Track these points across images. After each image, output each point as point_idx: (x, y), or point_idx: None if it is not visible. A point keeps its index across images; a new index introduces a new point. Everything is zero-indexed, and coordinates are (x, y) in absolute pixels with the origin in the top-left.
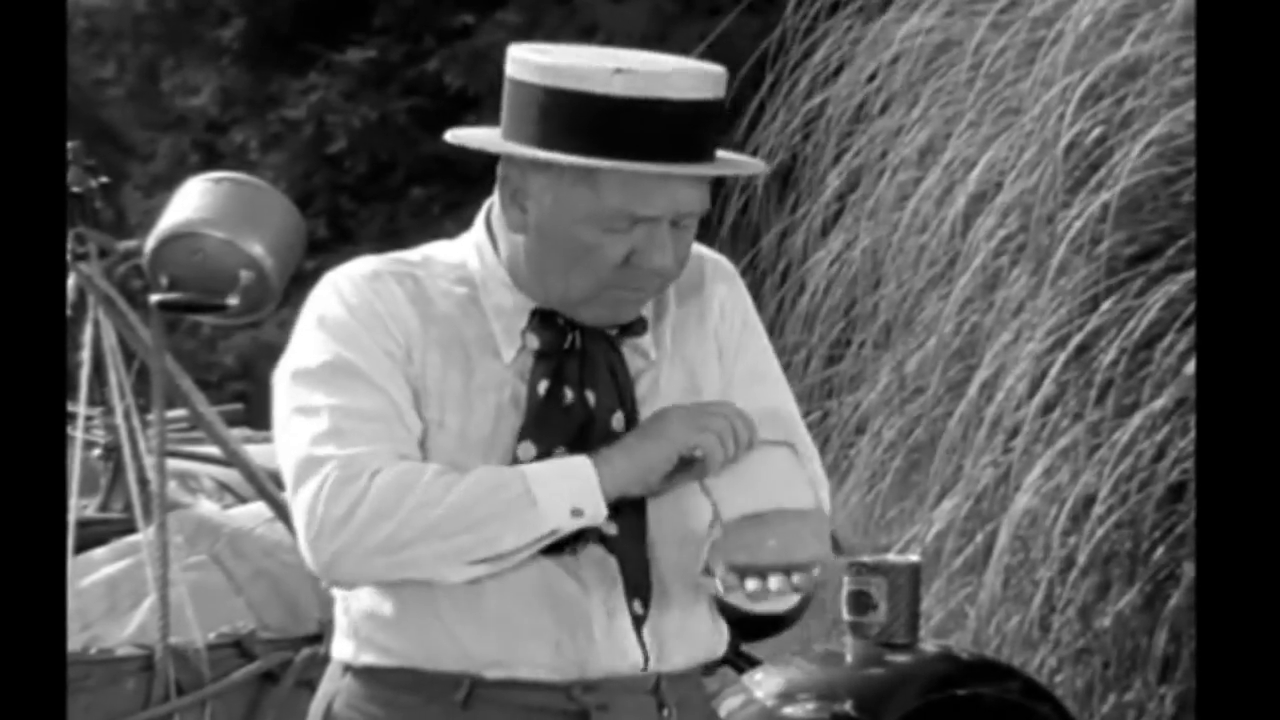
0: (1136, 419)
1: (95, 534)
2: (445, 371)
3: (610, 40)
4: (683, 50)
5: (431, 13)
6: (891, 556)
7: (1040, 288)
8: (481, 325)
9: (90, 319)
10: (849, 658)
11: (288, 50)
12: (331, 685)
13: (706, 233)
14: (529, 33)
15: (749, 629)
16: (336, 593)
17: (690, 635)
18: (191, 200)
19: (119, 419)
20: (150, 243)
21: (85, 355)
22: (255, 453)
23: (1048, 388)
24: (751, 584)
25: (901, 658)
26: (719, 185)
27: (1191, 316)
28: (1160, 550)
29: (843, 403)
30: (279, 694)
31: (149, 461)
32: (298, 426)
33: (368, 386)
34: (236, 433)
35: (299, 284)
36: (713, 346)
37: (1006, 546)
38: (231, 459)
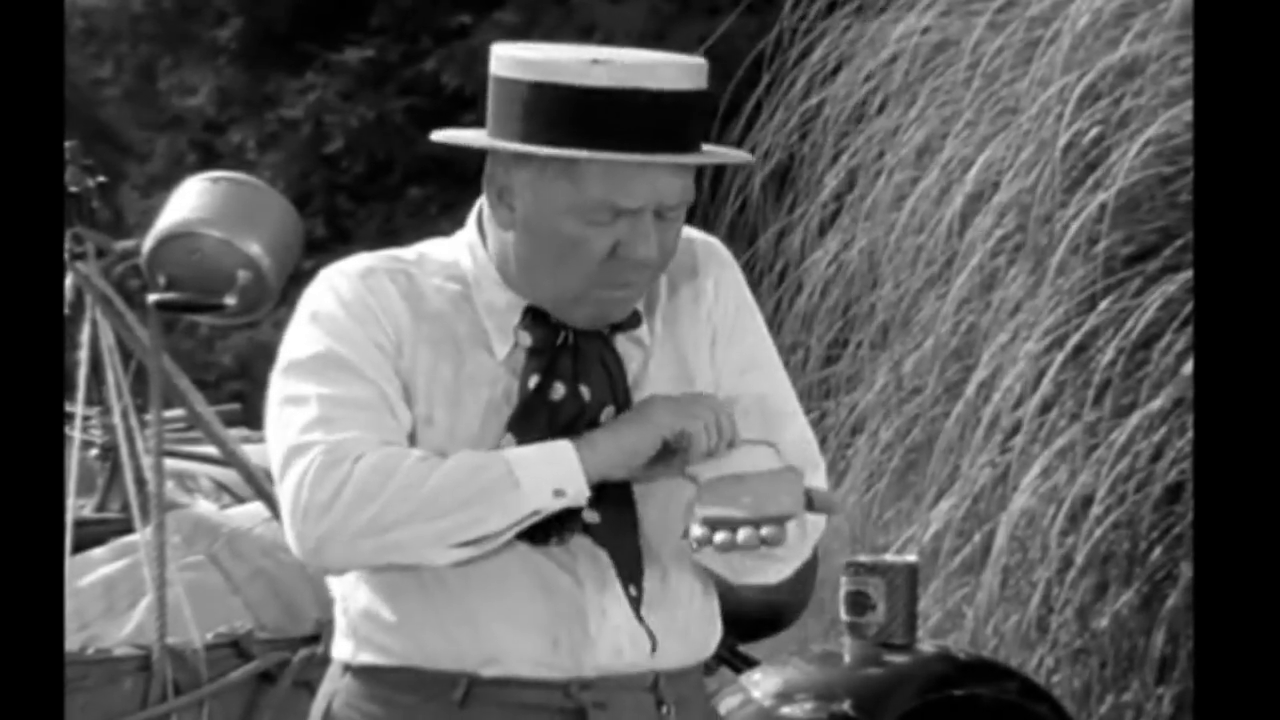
0: (1134, 419)
1: (93, 534)
2: (435, 365)
3: (608, 40)
4: (681, 50)
5: (429, 13)
6: (889, 557)
7: (1038, 288)
8: (474, 322)
9: (88, 319)
10: (847, 658)
11: (285, 50)
12: (331, 685)
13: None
14: (526, 33)
15: (747, 628)
16: (336, 593)
17: (686, 632)
18: (189, 200)
19: (116, 419)
20: (148, 242)
21: (83, 355)
22: (253, 453)
23: (1045, 388)
24: (719, 536)
25: (899, 658)
26: (716, 185)
27: (1189, 316)
28: (1158, 550)
29: (840, 403)
30: (276, 694)
31: (146, 461)
32: (287, 416)
33: (357, 378)
34: (234, 433)
35: (297, 284)
36: (706, 331)
37: (1004, 547)
38: (229, 459)
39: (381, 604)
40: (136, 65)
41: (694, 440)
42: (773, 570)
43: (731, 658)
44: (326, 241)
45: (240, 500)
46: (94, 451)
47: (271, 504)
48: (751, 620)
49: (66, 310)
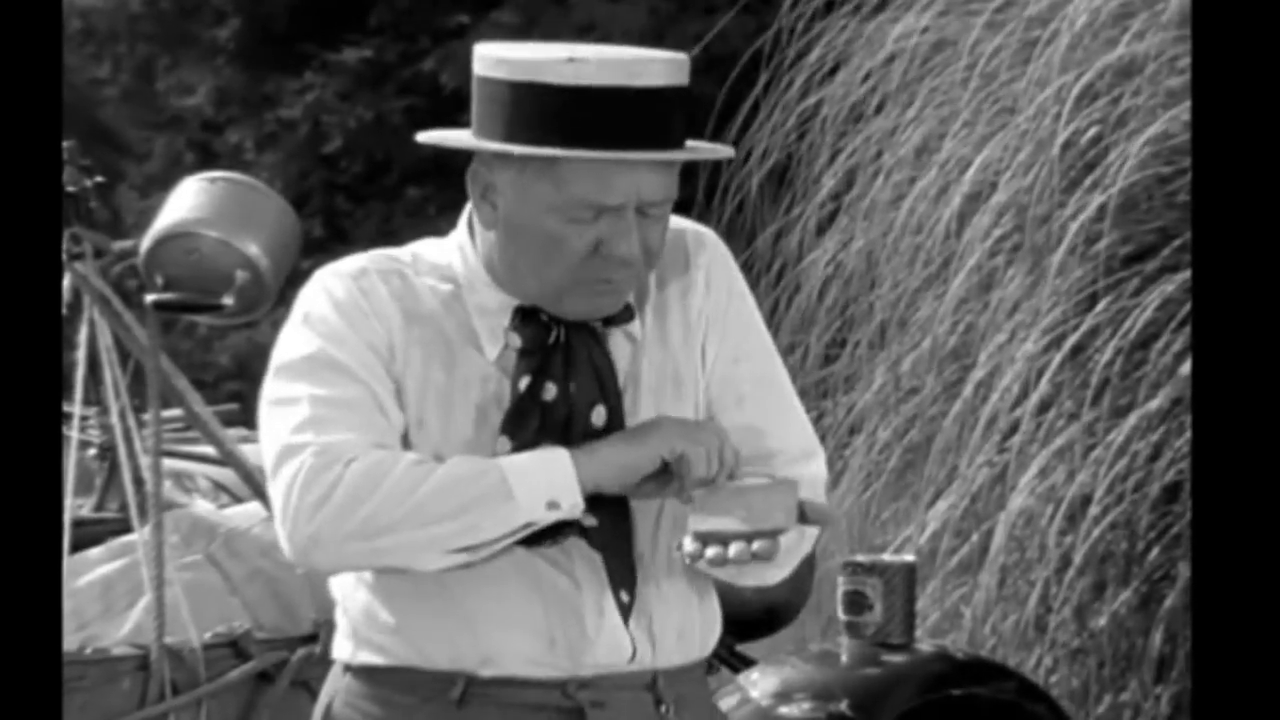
0: (1132, 419)
1: (90, 534)
2: (427, 368)
3: (606, 39)
4: (679, 49)
5: (427, 13)
6: (887, 556)
7: (1036, 288)
8: (465, 323)
9: (85, 319)
10: (844, 658)
11: (283, 50)
12: (332, 685)
13: None
14: (525, 32)
15: (744, 628)
16: (336, 594)
17: (685, 631)
18: (187, 200)
19: (114, 418)
20: (146, 242)
21: (80, 355)
22: (251, 452)
23: (1043, 388)
24: (711, 551)
25: (897, 658)
26: (713, 184)
27: (1187, 317)
28: (1156, 550)
29: (838, 403)
30: (274, 694)
31: (144, 461)
32: (278, 417)
33: (349, 379)
34: (232, 432)
35: (294, 284)
36: (697, 325)
37: (1002, 546)
38: (227, 459)
39: (380, 605)
40: (134, 65)
41: (692, 465)
42: (767, 575)
43: (729, 657)
44: (324, 241)
45: (238, 500)
46: (92, 451)
47: (269, 504)
48: (749, 620)
49: (64, 310)
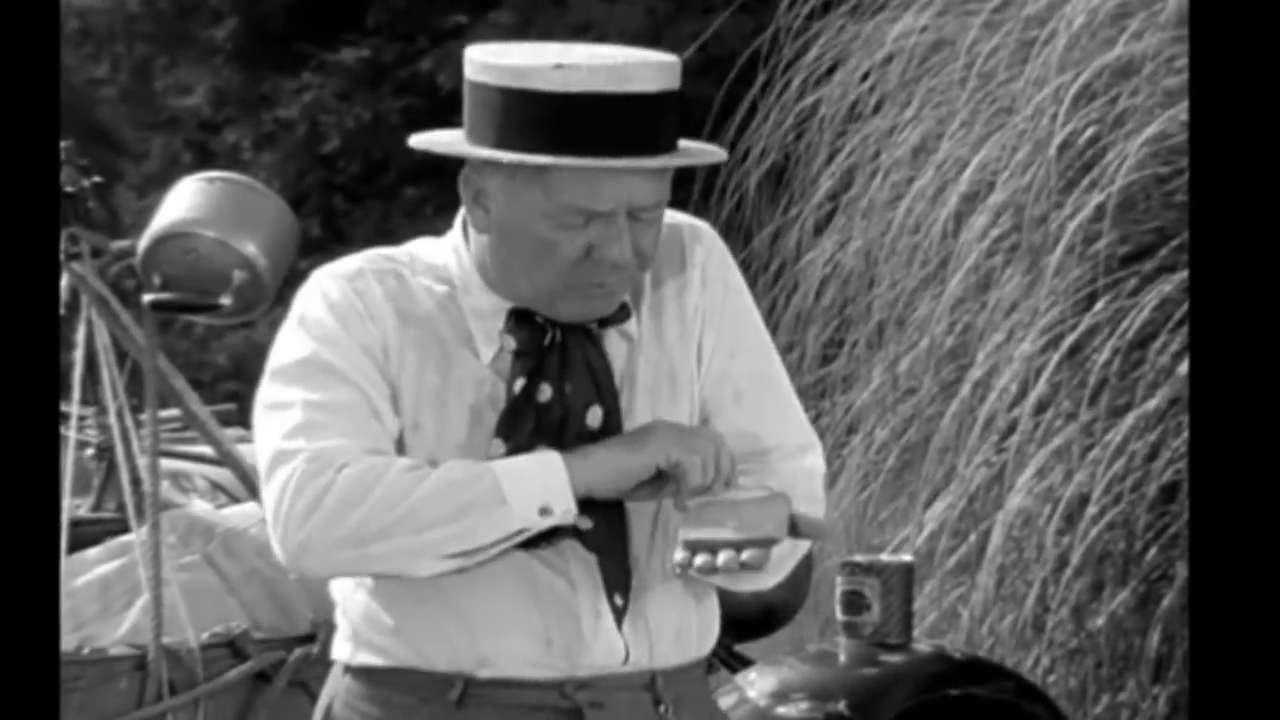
0: (1130, 419)
1: (88, 534)
2: (421, 370)
3: (603, 40)
4: (676, 49)
5: (425, 13)
6: (885, 556)
7: (1033, 288)
8: (460, 325)
9: (83, 319)
10: (842, 657)
11: (281, 50)
12: (332, 686)
13: None
14: (522, 33)
15: (742, 628)
16: (336, 595)
17: (682, 631)
18: (184, 200)
19: (112, 418)
20: (143, 242)
21: (78, 355)
22: (248, 453)
23: (1041, 388)
24: (700, 559)
25: (895, 658)
26: (711, 184)
27: (1185, 317)
28: (1153, 550)
29: (835, 403)
30: (272, 694)
31: (142, 461)
32: (271, 422)
33: (342, 382)
34: (229, 432)
35: (292, 284)
36: (693, 322)
37: (1000, 546)
38: (224, 459)
39: (379, 606)
40: (132, 65)
41: (688, 473)
42: (758, 581)
43: (727, 657)
44: (322, 241)
45: (236, 500)
46: (89, 451)
47: None
48: (747, 620)
49: (62, 310)
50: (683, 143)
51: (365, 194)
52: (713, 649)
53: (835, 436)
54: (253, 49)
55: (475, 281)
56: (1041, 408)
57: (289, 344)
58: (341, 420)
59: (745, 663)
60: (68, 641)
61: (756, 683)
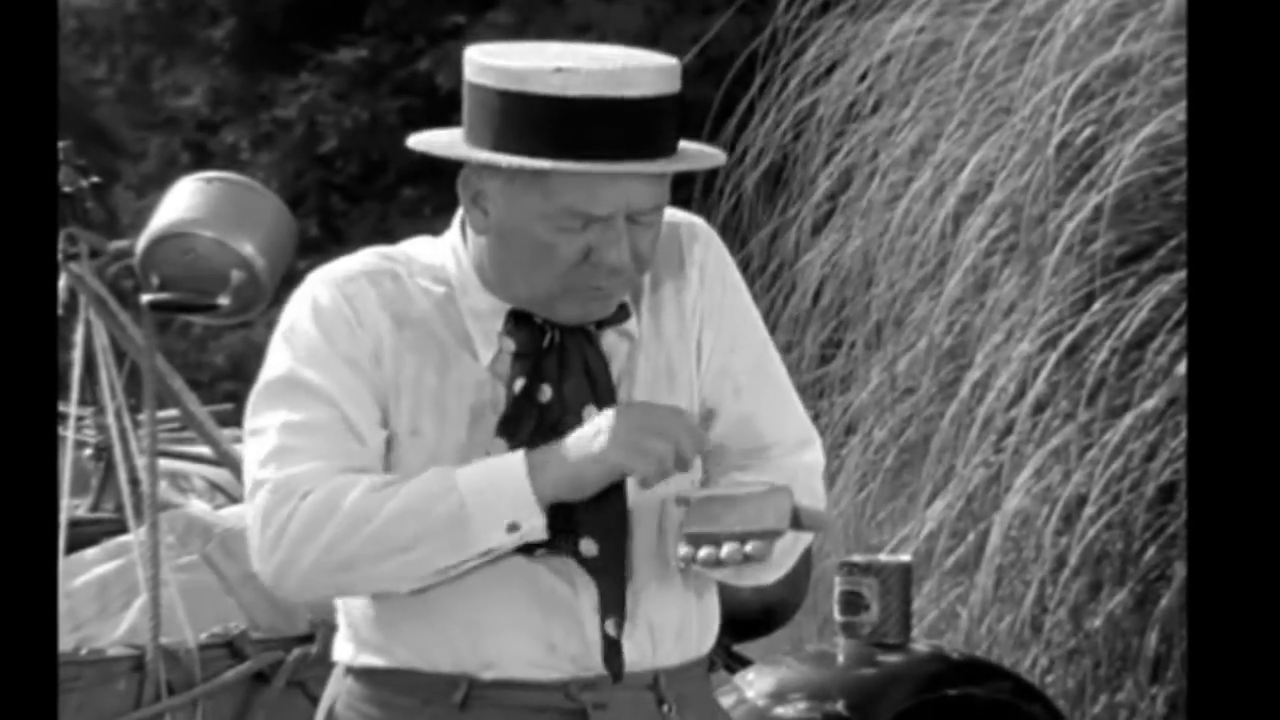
0: (1128, 419)
1: (86, 534)
2: (420, 373)
3: (602, 40)
4: (675, 50)
5: (423, 13)
6: (883, 557)
7: (1031, 288)
8: (459, 327)
9: (81, 319)
10: (841, 658)
11: (279, 50)
12: (334, 687)
13: None
14: (521, 33)
15: (741, 628)
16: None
17: (683, 629)
18: (183, 200)
19: (110, 419)
20: (141, 242)
21: (76, 355)
22: None
23: (1039, 388)
24: (704, 552)
25: (893, 658)
26: (709, 184)
27: (1183, 317)
28: (1151, 551)
29: (834, 403)
30: (270, 694)
31: (140, 461)
32: (250, 448)
33: (319, 401)
34: (227, 433)
35: (290, 284)
36: (692, 321)
37: (998, 547)
38: (223, 459)
39: (380, 608)
40: (130, 65)
41: (645, 478)
42: (762, 575)
43: (726, 657)
44: (320, 241)
45: (234, 500)
46: (88, 452)
47: None
48: (746, 620)
49: (60, 310)
50: (683, 145)
51: (363, 194)
52: (712, 648)
53: (833, 437)
54: (250, 49)
55: (473, 282)
56: (1040, 408)
57: (273, 358)
58: (317, 441)
59: (744, 663)
60: (66, 642)
61: (755, 683)
